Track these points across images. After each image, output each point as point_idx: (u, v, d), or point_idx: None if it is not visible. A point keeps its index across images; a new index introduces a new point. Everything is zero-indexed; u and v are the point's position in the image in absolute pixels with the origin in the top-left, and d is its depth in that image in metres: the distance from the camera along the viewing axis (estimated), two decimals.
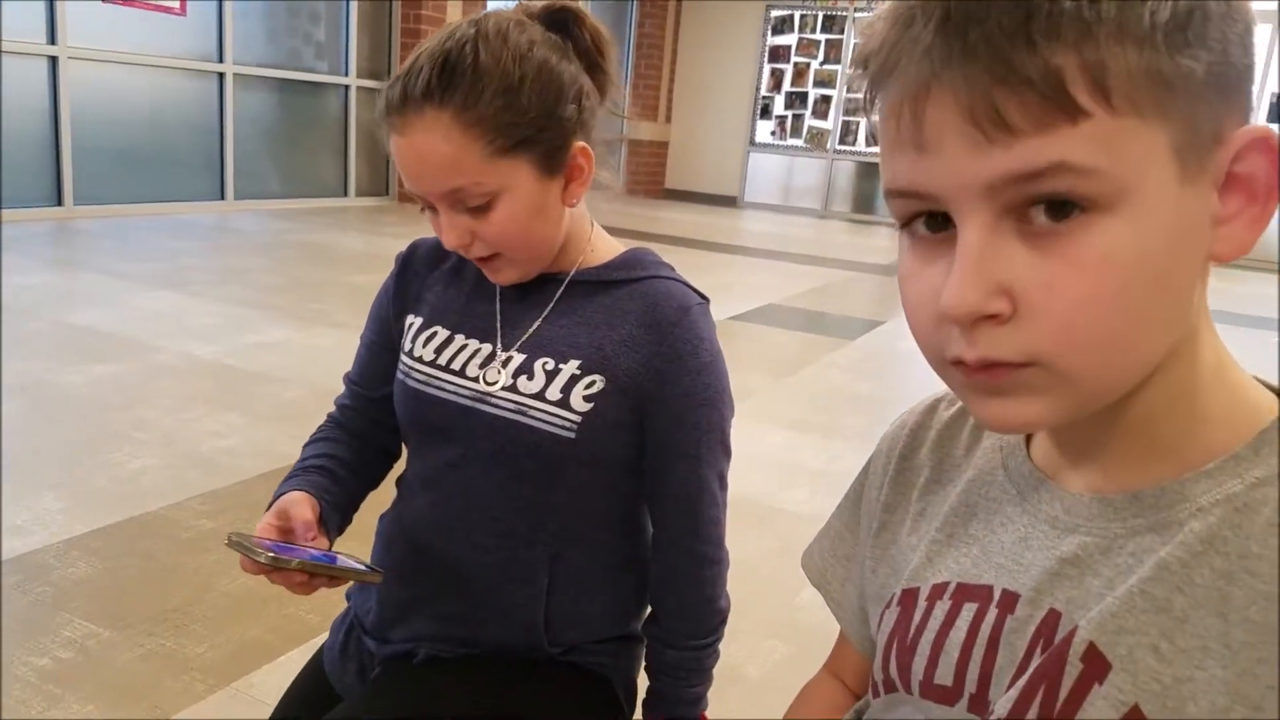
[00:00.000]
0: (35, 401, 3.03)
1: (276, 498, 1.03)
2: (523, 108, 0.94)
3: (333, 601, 1.17)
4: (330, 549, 1.02)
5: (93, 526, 2.28)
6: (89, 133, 6.40)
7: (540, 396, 1.00)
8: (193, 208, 7.15)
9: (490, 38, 0.94)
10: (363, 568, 0.96)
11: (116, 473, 2.59)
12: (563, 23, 1.00)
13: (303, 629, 1.95)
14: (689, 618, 1.06)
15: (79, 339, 3.75)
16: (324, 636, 1.19)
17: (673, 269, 1.09)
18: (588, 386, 1.00)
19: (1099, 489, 0.58)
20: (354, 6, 8.14)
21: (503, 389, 1.02)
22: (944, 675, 0.62)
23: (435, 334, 1.08)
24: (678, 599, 1.06)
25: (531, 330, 1.04)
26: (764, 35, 11.77)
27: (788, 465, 3.11)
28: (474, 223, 0.97)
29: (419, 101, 0.92)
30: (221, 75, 7.22)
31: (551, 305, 1.05)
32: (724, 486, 1.06)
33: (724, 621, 1.08)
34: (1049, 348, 0.50)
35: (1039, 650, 0.57)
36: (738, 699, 1.82)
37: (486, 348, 1.05)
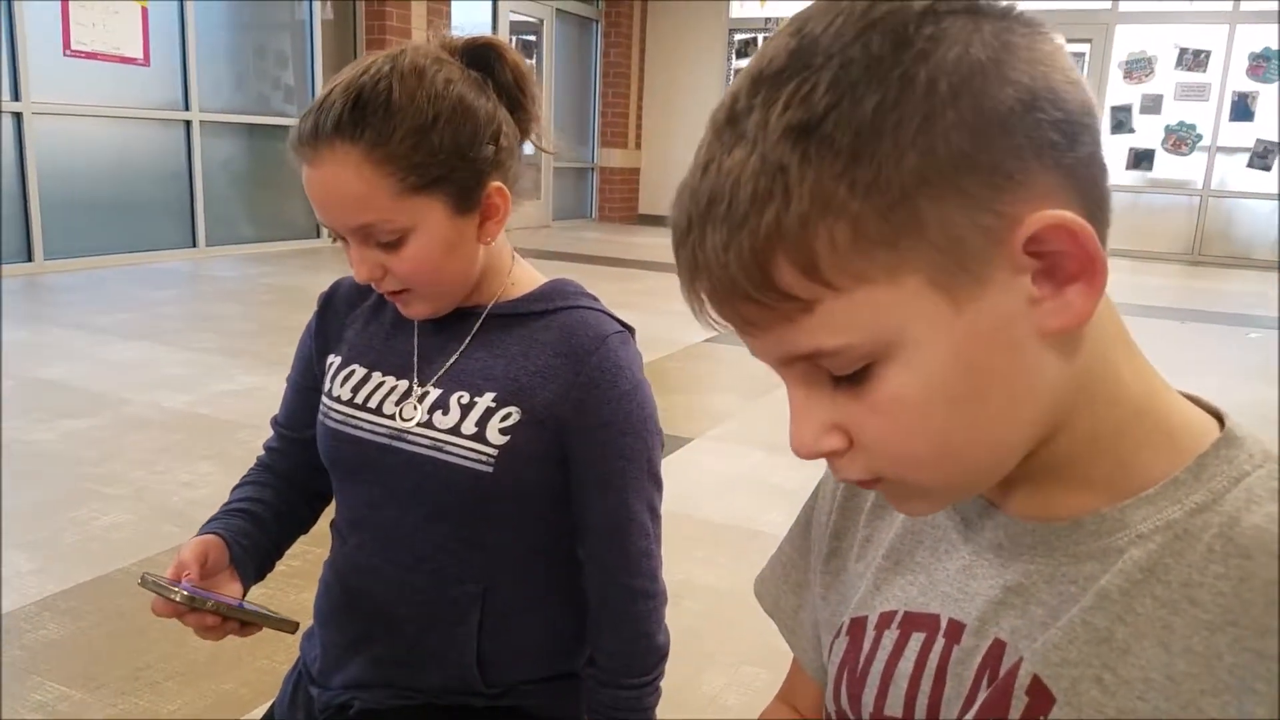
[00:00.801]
0: (5, 460, 3.00)
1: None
2: (434, 147, 0.93)
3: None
4: (243, 597, 1.01)
5: (64, 586, 2.26)
6: (57, 186, 6.37)
7: (455, 431, 0.99)
8: (165, 256, 7.12)
9: (405, 75, 0.93)
10: (275, 616, 0.95)
11: (88, 529, 2.56)
12: (484, 59, 1.00)
13: (275, 681, 1.91)
14: (625, 655, 1.03)
15: (49, 394, 3.72)
16: None
17: (595, 299, 1.08)
18: (504, 419, 0.98)
19: (1042, 515, 0.58)
20: (319, 49, 8.16)
21: (418, 425, 1.01)
22: (893, 706, 0.62)
23: (353, 372, 1.07)
24: (613, 635, 1.04)
25: (448, 365, 1.03)
26: (728, 59, 11.85)
27: (764, 486, 3.10)
28: (385, 257, 0.96)
29: (330, 135, 0.91)
30: (188, 123, 7.21)
31: (469, 339, 1.04)
32: (655, 518, 1.04)
33: (664, 658, 1.05)
34: (888, 469, 0.54)
35: (985, 681, 0.56)
36: None
37: (403, 384, 1.04)
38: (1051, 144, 0.48)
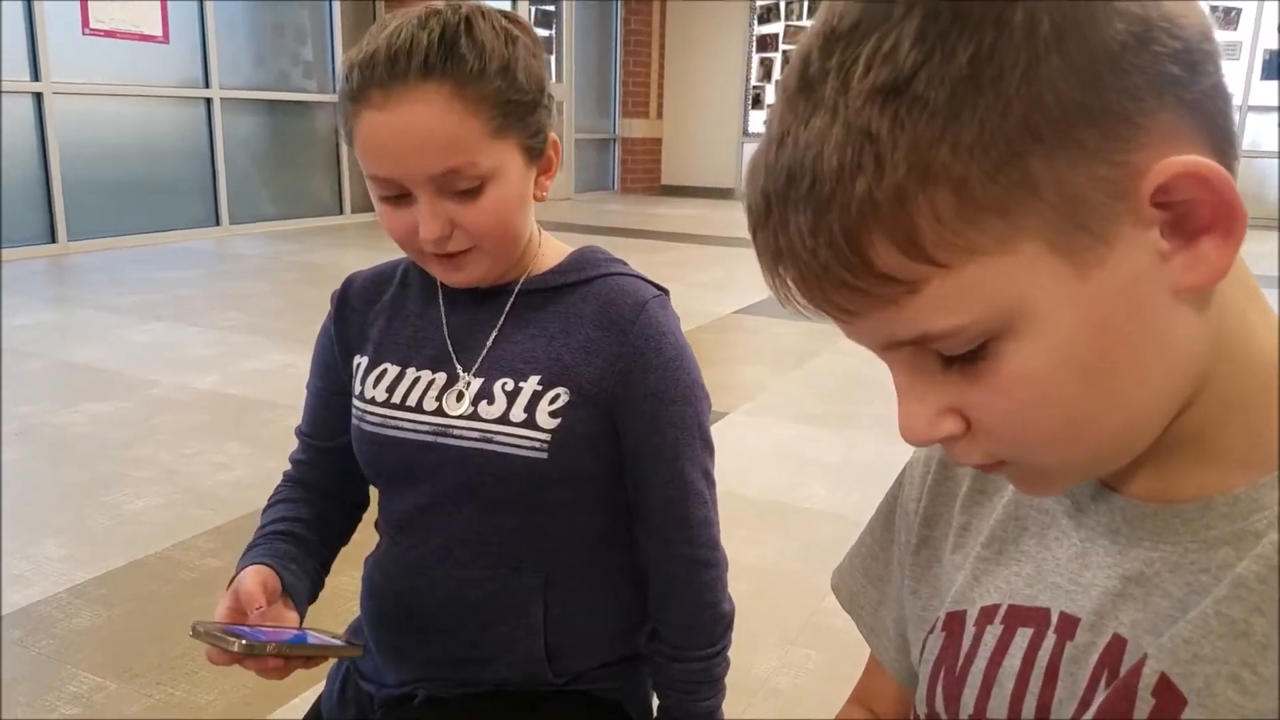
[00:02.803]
0: (34, 444, 2.98)
1: (238, 572, 0.96)
2: (521, 87, 0.89)
3: None
4: (301, 625, 0.95)
5: (95, 573, 2.22)
6: (79, 167, 6.35)
7: (504, 420, 0.94)
8: (188, 235, 7.11)
9: (479, 18, 0.89)
10: (339, 643, 0.90)
11: (118, 514, 2.53)
12: (514, 22, 0.94)
13: (315, 671, 1.89)
14: (693, 627, 1.00)
15: (77, 377, 3.70)
16: None
17: (625, 264, 1.03)
18: (552, 401, 0.94)
19: (1164, 496, 0.52)
20: (339, 24, 8.08)
21: (463, 418, 0.95)
22: (997, 708, 0.57)
23: (385, 371, 1.01)
24: (679, 609, 1.00)
25: (485, 352, 0.98)
26: (750, 25, 11.67)
27: (803, 460, 3.03)
28: (458, 209, 0.90)
29: (419, 74, 0.85)
30: (209, 100, 7.17)
31: (502, 320, 0.99)
32: (711, 484, 1.00)
33: (730, 627, 1.02)
34: (1009, 452, 0.50)
35: (1104, 681, 0.51)
36: (772, 713, 1.75)
37: (441, 377, 0.98)
38: (1172, 79, 0.42)
